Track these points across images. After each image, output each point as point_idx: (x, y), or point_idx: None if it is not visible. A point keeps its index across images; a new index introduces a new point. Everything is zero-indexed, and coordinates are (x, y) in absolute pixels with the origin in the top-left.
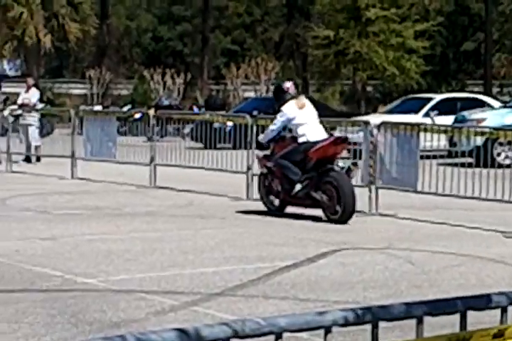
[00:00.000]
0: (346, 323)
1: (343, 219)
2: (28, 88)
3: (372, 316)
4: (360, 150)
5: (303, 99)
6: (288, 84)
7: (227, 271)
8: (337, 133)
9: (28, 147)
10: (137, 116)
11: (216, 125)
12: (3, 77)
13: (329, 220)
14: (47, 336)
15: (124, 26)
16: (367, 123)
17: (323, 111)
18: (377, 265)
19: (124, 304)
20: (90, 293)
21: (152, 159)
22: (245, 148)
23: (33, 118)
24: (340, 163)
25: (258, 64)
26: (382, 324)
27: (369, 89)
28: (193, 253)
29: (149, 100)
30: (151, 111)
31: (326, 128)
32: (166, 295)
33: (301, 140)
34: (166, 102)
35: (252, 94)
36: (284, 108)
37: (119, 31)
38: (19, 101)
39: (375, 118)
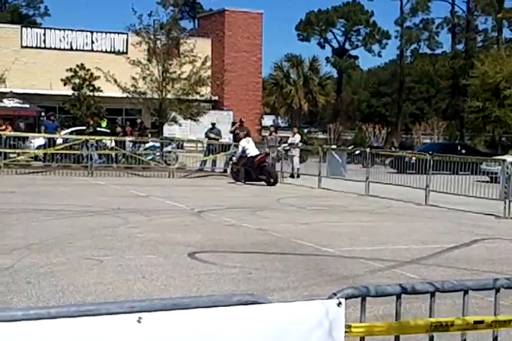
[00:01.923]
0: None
1: (273, 184)
2: (294, 134)
3: None
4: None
5: (249, 139)
6: (241, 134)
7: (414, 249)
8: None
9: (292, 168)
10: (357, 152)
11: (406, 159)
12: (278, 127)
13: (268, 185)
14: (305, 281)
15: (350, 98)
16: (503, 160)
17: (473, 152)
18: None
19: (350, 265)
20: (329, 257)
21: (367, 178)
22: (424, 173)
23: (296, 152)
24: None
25: (432, 122)
26: None
27: (503, 139)
28: (394, 235)
29: (364, 143)
30: (367, 150)
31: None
32: (376, 261)
33: (249, 155)
34: (375, 144)
35: (428, 141)
36: (241, 142)
37: (347, 101)
38: (288, 141)
39: (509, 157)
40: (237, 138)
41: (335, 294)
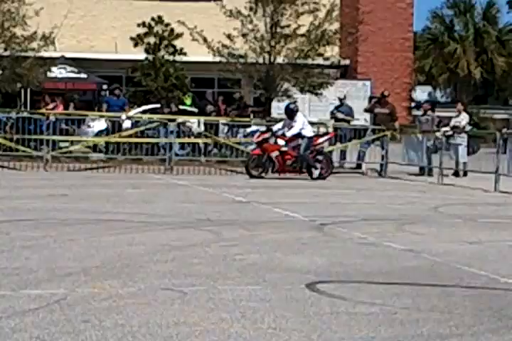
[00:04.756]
0: None
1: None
2: (459, 112)
3: None
4: None
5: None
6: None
7: None
8: None
9: (457, 163)
10: None
11: None
12: (436, 103)
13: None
14: (475, 327)
15: None
16: None
17: None
18: None
19: None
20: (511, 292)
21: None
22: None
23: (461, 139)
24: None
25: None
26: None
27: None
28: None
29: None
30: None
31: None
32: None
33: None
34: None
35: None
36: (300, 116)
37: None
38: (451, 124)
39: None
40: (376, 120)
41: None
